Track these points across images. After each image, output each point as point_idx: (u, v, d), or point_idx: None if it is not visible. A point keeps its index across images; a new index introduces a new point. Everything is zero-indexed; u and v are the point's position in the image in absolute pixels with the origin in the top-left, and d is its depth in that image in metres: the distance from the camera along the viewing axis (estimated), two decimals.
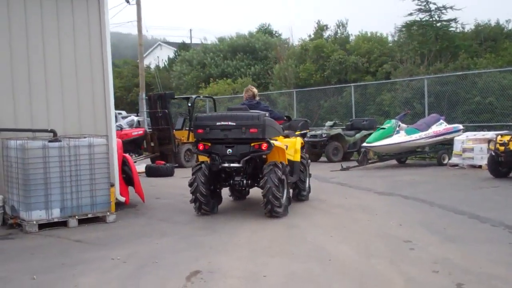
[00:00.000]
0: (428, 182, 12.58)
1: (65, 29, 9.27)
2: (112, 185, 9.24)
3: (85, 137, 8.52)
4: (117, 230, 8.07)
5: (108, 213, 8.57)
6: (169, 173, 15.19)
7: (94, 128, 9.49)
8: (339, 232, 7.51)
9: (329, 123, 19.12)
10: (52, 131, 8.61)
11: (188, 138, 17.71)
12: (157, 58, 56.20)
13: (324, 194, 10.94)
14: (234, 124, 8.14)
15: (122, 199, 9.75)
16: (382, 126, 16.06)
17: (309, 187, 10.14)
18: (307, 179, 10.05)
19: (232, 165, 8.31)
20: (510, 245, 6.70)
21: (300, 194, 9.84)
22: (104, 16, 9.56)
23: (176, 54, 45.16)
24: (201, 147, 8.52)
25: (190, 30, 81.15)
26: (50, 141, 8.21)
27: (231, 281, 5.52)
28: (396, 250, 6.50)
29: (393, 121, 16.03)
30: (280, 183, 8.19)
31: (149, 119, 21.06)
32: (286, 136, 9.48)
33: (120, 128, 18.79)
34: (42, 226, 8.07)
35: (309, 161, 10.27)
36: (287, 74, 28.17)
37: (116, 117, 24.21)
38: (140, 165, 15.74)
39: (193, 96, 18.67)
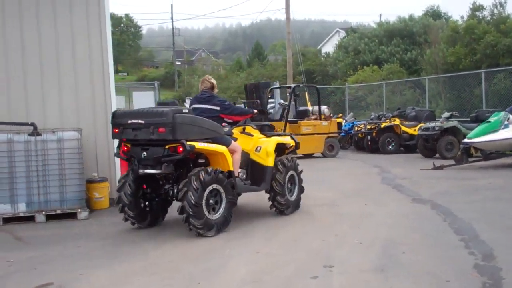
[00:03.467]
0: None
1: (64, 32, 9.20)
2: (103, 180, 8.99)
3: (53, 132, 8.32)
4: (76, 229, 7.78)
5: (79, 210, 8.32)
6: None
7: (93, 123, 9.29)
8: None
9: (446, 114, 16.82)
10: (32, 124, 8.58)
11: (284, 130, 16.89)
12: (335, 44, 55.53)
13: (352, 198, 9.49)
14: (143, 122, 6.70)
15: None
16: (489, 119, 13.59)
17: (297, 201, 8.46)
18: (294, 191, 8.40)
19: (147, 171, 6.86)
20: None
21: (278, 207, 8.09)
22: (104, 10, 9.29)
23: (344, 39, 43.99)
24: (125, 149, 7.13)
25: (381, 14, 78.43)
26: (29, 135, 8.19)
27: None
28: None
29: (502, 113, 13.46)
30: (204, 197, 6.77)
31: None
32: (275, 135, 8.45)
33: None
34: (10, 220, 8.10)
35: (298, 167, 8.56)
36: (437, 59, 25.70)
37: None
38: None
39: (293, 85, 17.75)
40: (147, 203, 7.48)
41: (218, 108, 7.69)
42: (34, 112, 8.96)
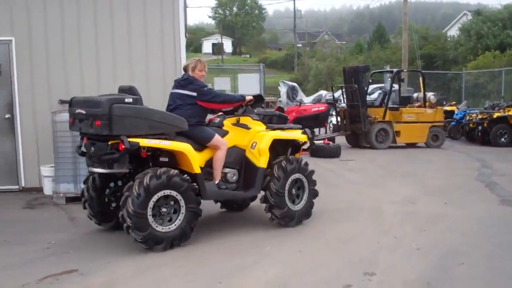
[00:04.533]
0: None
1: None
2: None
3: None
4: None
5: None
6: (334, 154, 13.92)
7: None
8: None
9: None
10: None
11: (384, 117, 16.01)
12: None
13: (432, 196, 8.60)
14: (85, 113, 5.72)
15: None
16: None
17: (307, 209, 6.85)
18: (303, 198, 6.79)
19: (94, 169, 5.91)
20: None
21: (276, 220, 6.63)
22: None
23: (467, 22, 41.26)
24: (85, 142, 6.09)
25: None
26: None
27: None
28: None
29: None
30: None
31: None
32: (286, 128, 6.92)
33: (299, 104, 17.99)
34: (73, 200, 8.17)
35: (307, 167, 6.85)
36: None
37: (297, 91, 23.58)
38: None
39: (394, 70, 16.69)
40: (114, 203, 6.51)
41: (194, 94, 6.27)
42: (90, 89, 8.94)
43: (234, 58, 67.83)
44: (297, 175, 6.67)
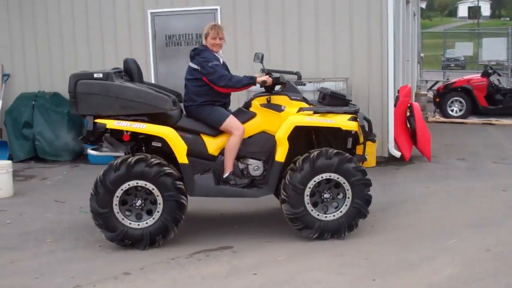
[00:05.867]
0: None
1: None
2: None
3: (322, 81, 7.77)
4: None
5: None
6: None
7: (367, 73, 8.42)
8: None
9: None
10: (296, 73, 8.16)
11: None
12: None
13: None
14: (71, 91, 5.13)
15: (397, 154, 8.39)
16: None
17: (341, 224, 5.09)
18: (341, 207, 5.07)
19: (91, 151, 5.35)
20: None
21: (286, 215, 5.09)
22: None
23: None
24: None
25: None
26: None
27: None
28: None
29: None
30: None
31: None
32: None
33: None
34: None
35: (357, 170, 5.05)
36: None
37: None
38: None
39: None
40: None
41: (199, 68, 5.22)
42: (308, 60, 8.61)
43: (491, 22, 62.26)
44: (333, 176, 5.01)
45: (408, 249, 4.79)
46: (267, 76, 5.17)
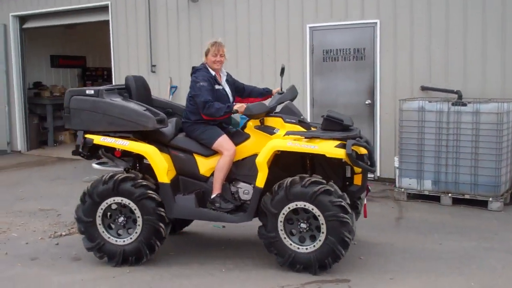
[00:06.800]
0: None
1: None
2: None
3: (488, 101, 7.02)
4: (478, 221, 6.46)
5: (490, 199, 6.84)
6: None
7: None
8: None
9: None
10: (457, 92, 7.51)
11: None
12: None
13: None
14: None
15: None
16: None
17: (319, 258, 4.67)
18: (317, 239, 4.68)
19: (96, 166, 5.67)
20: None
21: (274, 253, 4.87)
22: None
23: None
24: None
25: None
26: (453, 104, 7.22)
27: None
28: None
29: None
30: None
31: None
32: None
33: None
34: (415, 197, 7.39)
35: (337, 200, 4.60)
36: None
37: None
38: None
39: None
40: None
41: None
42: (473, 77, 7.83)
43: None
44: (307, 206, 4.64)
45: None
46: (241, 105, 5.02)
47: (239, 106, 5.00)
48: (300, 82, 8.97)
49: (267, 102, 5.22)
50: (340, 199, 4.57)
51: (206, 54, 5.30)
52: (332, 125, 4.91)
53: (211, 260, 5.14)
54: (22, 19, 12.61)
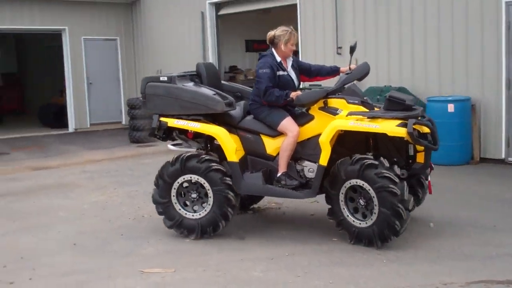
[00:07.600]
0: None
1: None
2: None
3: None
4: None
5: None
6: None
7: None
8: None
9: None
10: None
11: None
12: None
13: None
14: None
15: None
16: None
17: (373, 233, 4.92)
18: (371, 216, 4.90)
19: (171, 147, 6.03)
20: None
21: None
22: None
23: None
24: None
25: None
26: None
27: None
28: None
29: None
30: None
31: None
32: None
33: None
34: None
35: (380, 182, 4.75)
36: None
37: None
38: None
39: None
40: None
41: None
42: None
43: None
44: (359, 182, 4.88)
45: None
46: (296, 93, 5.25)
47: (293, 94, 5.22)
48: (495, 61, 8.24)
49: (339, 79, 5.38)
50: (386, 171, 4.69)
51: (286, 42, 5.43)
52: (394, 105, 4.96)
53: (372, 249, 4.93)
54: (218, 5, 13.23)
